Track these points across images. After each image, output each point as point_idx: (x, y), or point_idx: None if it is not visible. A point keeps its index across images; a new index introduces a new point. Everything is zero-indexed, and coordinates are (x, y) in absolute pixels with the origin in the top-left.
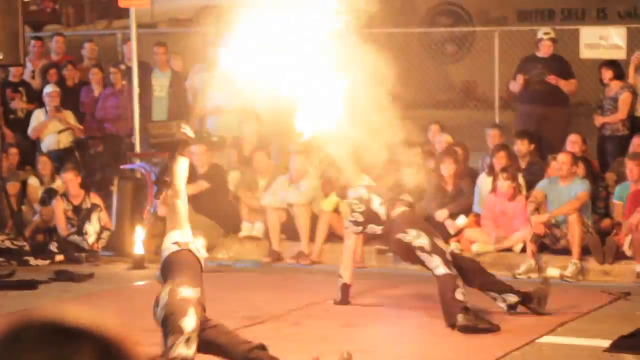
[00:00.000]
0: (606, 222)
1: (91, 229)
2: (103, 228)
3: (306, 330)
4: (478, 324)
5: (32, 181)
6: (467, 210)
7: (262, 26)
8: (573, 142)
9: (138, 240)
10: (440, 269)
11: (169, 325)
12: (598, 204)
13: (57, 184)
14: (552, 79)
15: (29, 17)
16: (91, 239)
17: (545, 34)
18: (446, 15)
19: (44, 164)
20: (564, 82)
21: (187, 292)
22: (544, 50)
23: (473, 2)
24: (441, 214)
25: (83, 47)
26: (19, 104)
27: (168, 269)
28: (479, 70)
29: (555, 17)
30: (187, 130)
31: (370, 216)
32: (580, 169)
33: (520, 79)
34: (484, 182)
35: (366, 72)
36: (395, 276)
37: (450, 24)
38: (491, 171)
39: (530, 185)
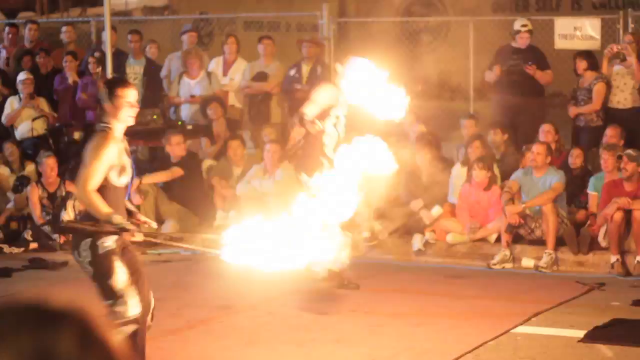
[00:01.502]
0: (580, 214)
1: (67, 217)
2: (78, 216)
3: (280, 319)
4: None
5: (3, 169)
6: (442, 200)
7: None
8: (546, 132)
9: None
10: None
11: (99, 287)
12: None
13: (28, 171)
14: (531, 69)
15: (3, 3)
16: None
17: (523, 25)
18: (421, 5)
19: (12, 152)
20: (540, 72)
21: (108, 242)
22: (521, 41)
23: None
24: (416, 204)
25: (61, 31)
26: None
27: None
28: (453, 61)
29: (530, 7)
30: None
31: None
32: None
33: (496, 69)
34: (458, 172)
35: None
36: (369, 266)
37: (425, 14)
38: (466, 161)
39: (505, 176)
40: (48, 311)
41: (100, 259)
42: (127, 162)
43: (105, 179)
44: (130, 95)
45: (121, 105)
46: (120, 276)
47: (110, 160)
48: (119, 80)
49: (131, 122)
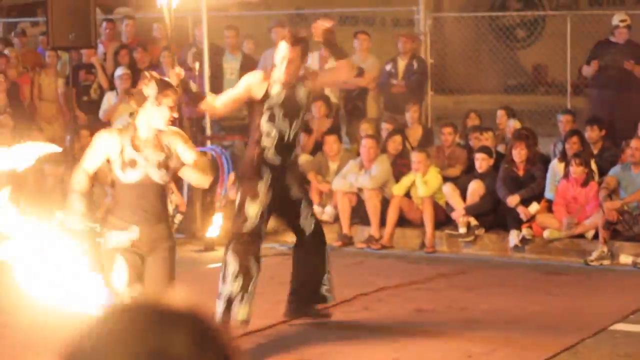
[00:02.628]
0: None
1: None
2: (176, 210)
3: (375, 315)
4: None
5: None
6: (539, 196)
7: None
8: None
9: (215, 223)
10: None
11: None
12: None
13: None
14: (629, 65)
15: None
16: None
17: (622, 21)
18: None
19: None
20: (638, 67)
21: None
22: (620, 36)
23: None
24: (513, 200)
25: (153, 28)
26: (93, 90)
27: None
28: (550, 55)
29: (627, 0)
30: None
31: None
32: None
33: (594, 64)
34: (556, 168)
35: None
36: (465, 261)
37: (521, 9)
38: (563, 157)
39: (603, 172)
40: (163, 311)
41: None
42: (142, 157)
43: (114, 175)
44: (173, 102)
45: (163, 106)
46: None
47: (106, 152)
48: (170, 84)
49: (163, 125)
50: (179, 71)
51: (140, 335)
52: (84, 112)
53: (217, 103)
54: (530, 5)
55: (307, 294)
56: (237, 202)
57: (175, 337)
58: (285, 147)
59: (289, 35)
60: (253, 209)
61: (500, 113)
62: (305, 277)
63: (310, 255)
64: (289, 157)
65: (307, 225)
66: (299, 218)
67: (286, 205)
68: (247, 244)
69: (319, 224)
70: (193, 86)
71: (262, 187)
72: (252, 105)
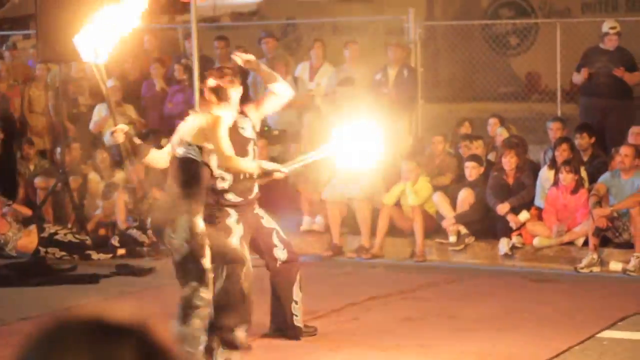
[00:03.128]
0: None
1: None
2: None
3: (365, 325)
4: None
5: (93, 176)
6: (529, 204)
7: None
8: (637, 134)
9: None
10: None
11: (188, 267)
12: None
13: (118, 178)
14: (619, 72)
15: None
16: None
17: (611, 28)
18: (508, 7)
19: (102, 159)
20: (628, 74)
21: (202, 223)
22: (609, 43)
23: None
24: (502, 208)
25: (144, 40)
26: (82, 101)
27: None
28: (542, 63)
29: (620, 7)
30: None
31: None
32: None
33: (584, 71)
34: (545, 175)
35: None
36: (456, 270)
37: (512, 17)
38: (553, 164)
39: (592, 179)
40: (108, 325)
41: (197, 238)
42: None
43: None
44: None
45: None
46: (209, 258)
47: None
48: None
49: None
50: (122, 128)
51: (84, 349)
52: (73, 125)
53: (161, 157)
54: (522, 12)
55: (278, 323)
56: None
57: (120, 352)
58: (243, 185)
59: (212, 73)
60: (234, 240)
61: (492, 121)
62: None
63: (280, 285)
64: (251, 194)
65: (282, 255)
66: (273, 249)
67: (261, 233)
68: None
69: (292, 255)
70: (137, 140)
71: (232, 221)
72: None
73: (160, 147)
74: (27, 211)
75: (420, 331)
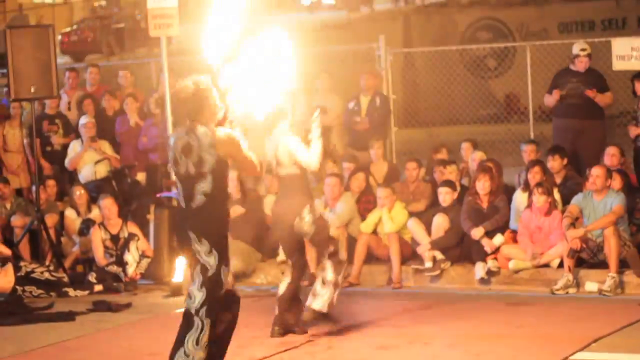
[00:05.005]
0: None
1: (130, 258)
2: (142, 256)
3: (340, 354)
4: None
5: (69, 213)
6: (503, 227)
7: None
8: (612, 155)
9: (178, 268)
10: None
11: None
12: (635, 215)
13: (94, 214)
14: (591, 93)
15: (70, 47)
16: (131, 268)
17: (582, 50)
18: (486, 30)
19: (80, 195)
20: (600, 95)
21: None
22: (580, 65)
23: (513, 16)
24: (477, 232)
25: (119, 75)
26: (56, 139)
27: None
28: (520, 84)
29: (596, 27)
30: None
31: None
32: (617, 181)
33: (555, 93)
34: (519, 198)
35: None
36: (432, 296)
37: (490, 39)
38: (526, 187)
39: (566, 200)
40: None
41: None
42: None
43: None
44: None
45: None
46: None
47: None
48: None
49: None
50: None
51: None
52: (48, 162)
53: None
54: (500, 35)
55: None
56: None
57: None
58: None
59: None
60: None
61: (465, 145)
62: None
63: None
64: None
65: None
66: None
67: None
68: None
69: None
70: None
71: None
72: None
73: (137, 182)
74: (6, 251)
75: (394, 359)
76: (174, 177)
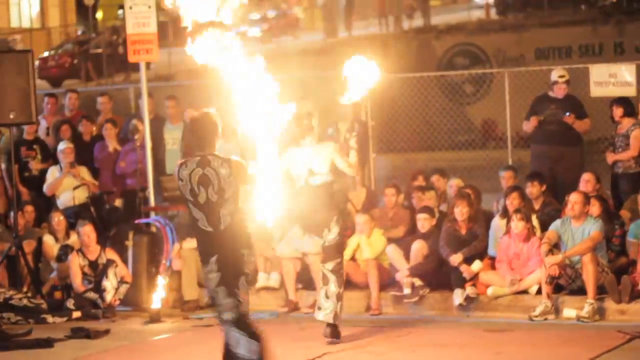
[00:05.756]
0: (622, 261)
1: (109, 284)
2: (121, 282)
3: None
4: None
5: (47, 239)
6: (482, 254)
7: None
8: (586, 181)
9: (156, 294)
10: None
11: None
12: (613, 241)
13: (72, 241)
14: (569, 119)
15: (48, 73)
16: (109, 295)
17: (560, 77)
18: (463, 56)
19: (58, 222)
20: (578, 122)
21: None
22: (558, 92)
23: (490, 42)
24: (455, 259)
25: (97, 102)
26: (34, 165)
27: None
28: (497, 110)
29: (573, 54)
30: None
31: None
32: (596, 207)
33: (533, 119)
34: (497, 224)
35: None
36: (411, 322)
37: (467, 65)
38: (505, 213)
39: (545, 226)
40: None
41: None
42: None
43: None
44: None
45: None
46: None
47: None
48: None
49: None
50: None
51: None
52: (26, 188)
53: None
54: (477, 60)
55: None
56: None
57: None
58: None
59: None
60: None
61: (435, 177)
62: None
63: None
64: None
65: None
66: None
67: None
68: None
69: None
70: None
71: None
72: None
73: (115, 208)
74: None
75: None
76: (151, 203)
